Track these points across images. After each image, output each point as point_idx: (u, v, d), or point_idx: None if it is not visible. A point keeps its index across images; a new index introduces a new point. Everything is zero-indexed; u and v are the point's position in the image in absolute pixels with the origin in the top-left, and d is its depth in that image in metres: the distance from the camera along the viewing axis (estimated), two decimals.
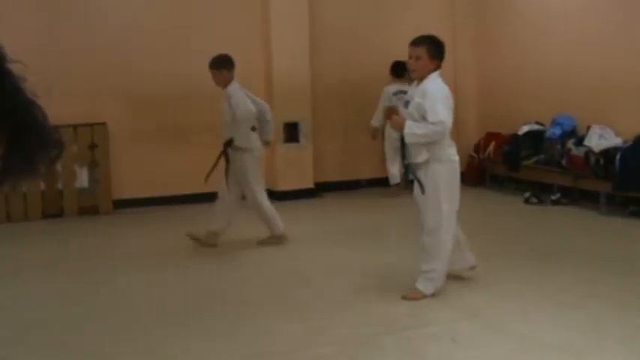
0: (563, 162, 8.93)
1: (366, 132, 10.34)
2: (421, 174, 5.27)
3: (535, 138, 9.53)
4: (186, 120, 9.49)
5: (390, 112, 5.46)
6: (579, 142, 8.64)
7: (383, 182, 10.15)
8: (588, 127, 8.64)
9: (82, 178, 8.89)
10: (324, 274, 6.17)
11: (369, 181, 10.56)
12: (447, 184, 5.23)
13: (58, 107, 8.41)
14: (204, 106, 9.50)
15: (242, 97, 6.95)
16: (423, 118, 5.12)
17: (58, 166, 8.70)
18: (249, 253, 7.03)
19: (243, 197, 7.18)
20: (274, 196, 8.32)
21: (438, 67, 5.25)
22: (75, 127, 8.77)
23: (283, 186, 9.51)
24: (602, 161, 8.27)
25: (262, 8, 9.69)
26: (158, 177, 9.36)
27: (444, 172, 5.22)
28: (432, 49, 5.23)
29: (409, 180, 5.61)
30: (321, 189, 9.92)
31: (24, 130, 1.38)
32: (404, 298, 5.30)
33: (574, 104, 9.21)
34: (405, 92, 9.74)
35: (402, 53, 10.00)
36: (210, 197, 9.42)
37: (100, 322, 5.07)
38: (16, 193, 8.49)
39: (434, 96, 5.11)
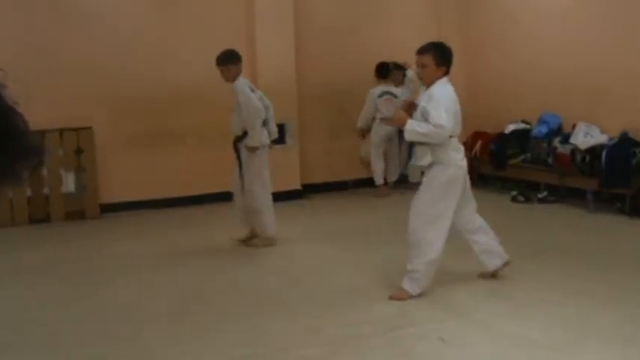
0: (550, 160, 8.96)
1: (353, 133, 10.36)
2: (424, 176, 5.31)
3: (521, 137, 9.57)
4: (173, 123, 9.46)
5: (406, 107, 5.47)
6: (565, 140, 8.67)
7: (369, 183, 10.17)
8: (574, 125, 8.68)
9: (69, 183, 8.84)
10: (313, 275, 6.17)
11: (355, 181, 10.57)
12: (443, 188, 5.24)
13: (43, 112, 8.47)
14: (190, 109, 9.50)
15: (248, 94, 6.92)
16: (427, 122, 5.16)
17: (44, 171, 8.67)
18: (238, 254, 7.02)
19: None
20: None
21: (445, 73, 5.30)
22: (61, 131, 8.73)
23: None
24: (588, 159, 8.31)
25: (247, 9, 9.67)
26: (145, 181, 9.33)
27: (444, 175, 5.25)
28: (438, 55, 5.27)
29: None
30: (307, 190, 9.92)
31: (5, 137, 1.37)
32: (391, 298, 5.31)
33: (559, 102, 9.26)
34: (390, 93, 9.83)
35: (388, 54, 10.19)
36: (197, 200, 9.48)
37: (89, 325, 5.05)
38: (1, 199, 8.44)
39: (438, 100, 5.16)
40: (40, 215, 8.70)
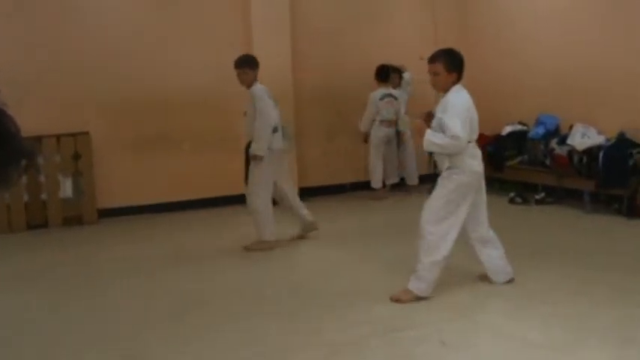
0: (547, 161, 8.97)
1: (350, 135, 10.37)
2: (439, 179, 5.36)
3: (518, 138, 9.59)
4: (170, 128, 9.46)
5: (425, 117, 5.48)
6: (562, 141, 8.68)
7: (367, 186, 10.17)
8: (571, 127, 8.70)
9: (66, 188, 8.82)
10: (313, 277, 6.17)
11: (353, 184, 10.57)
12: (456, 192, 5.26)
13: (40, 117, 8.47)
14: (187, 114, 9.50)
15: (266, 102, 7.04)
16: (443, 132, 5.19)
17: (42, 177, 8.67)
18: (238, 257, 7.02)
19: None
20: None
21: (458, 79, 5.32)
22: (58, 137, 8.72)
23: None
24: (585, 160, 8.32)
25: (244, 13, 9.68)
26: (142, 185, 9.33)
27: (458, 180, 5.26)
28: (448, 62, 5.30)
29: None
30: (305, 193, 9.90)
31: None
32: (391, 299, 5.31)
33: (557, 104, 9.27)
34: (391, 96, 9.84)
35: (385, 57, 10.19)
36: (195, 204, 9.47)
37: (86, 329, 5.04)
38: None
39: (453, 110, 5.19)
40: (37, 221, 8.69)
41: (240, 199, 9.58)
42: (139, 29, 9.27)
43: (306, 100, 10.07)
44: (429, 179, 5.78)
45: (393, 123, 9.89)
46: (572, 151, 8.48)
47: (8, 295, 6.00)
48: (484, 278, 5.70)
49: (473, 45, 10.67)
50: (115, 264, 6.93)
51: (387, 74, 9.94)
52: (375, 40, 10.63)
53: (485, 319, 4.95)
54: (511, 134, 9.64)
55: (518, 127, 9.68)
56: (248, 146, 7.20)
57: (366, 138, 10.06)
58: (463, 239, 5.49)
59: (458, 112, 5.18)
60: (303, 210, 7.49)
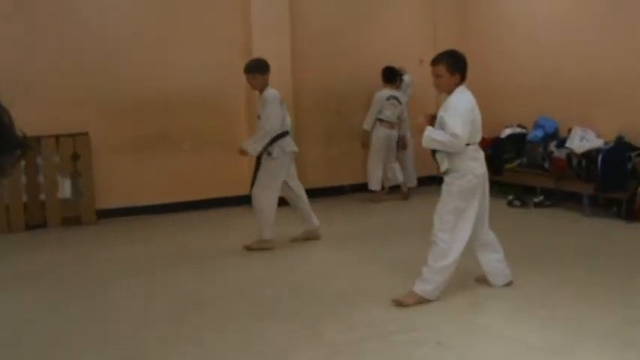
0: (546, 164, 8.99)
1: (350, 137, 10.38)
2: (443, 184, 5.36)
3: (517, 141, 9.60)
4: (169, 129, 9.46)
5: (428, 118, 5.49)
6: (561, 144, 8.69)
7: (367, 188, 10.17)
8: (570, 130, 8.71)
9: (65, 189, 8.82)
10: (312, 279, 6.17)
11: (352, 186, 10.57)
12: (460, 196, 5.26)
13: (39, 117, 8.46)
14: (187, 114, 9.51)
15: (276, 109, 7.08)
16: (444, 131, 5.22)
17: (41, 177, 8.67)
18: (237, 257, 7.02)
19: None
20: None
21: (462, 80, 5.33)
22: (57, 137, 8.72)
23: None
24: (584, 163, 8.33)
25: (243, 14, 9.68)
26: (141, 186, 9.33)
27: (460, 184, 5.26)
28: (451, 64, 5.31)
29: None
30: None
31: None
32: (394, 302, 5.30)
33: (555, 107, 9.28)
34: (396, 98, 9.85)
35: (385, 59, 10.20)
36: (194, 205, 9.47)
37: (86, 329, 5.03)
38: None
39: (454, 109, 5.21)
40: (36, 221, 8.69)
41: (239, 200, 9.61)
42: (139, 29, 9.28)
43: (306, 101, 10.07)
44: (428, 181, 5.78)
45: (395, 125, 9.90)
46: (570, 154, 8.49)
47: (8, 295, 6.00)
48: (483, 281, 5.70)
49: (472, 47, 10.64)
50: (115, 264, 6.93)
51: (394, 76, 9.98)
52: (375, 41, 10.64)
53: (484, 322, 4.95)
54: (510, 137, 9.65)
55: (517, 130, 9.69)
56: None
57: (365, 143, 10.04)
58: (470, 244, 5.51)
59: (459, 112, 5.20)
60: (313, 217, 7.54)
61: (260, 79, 7.16)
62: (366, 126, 9.95)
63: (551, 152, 8.79)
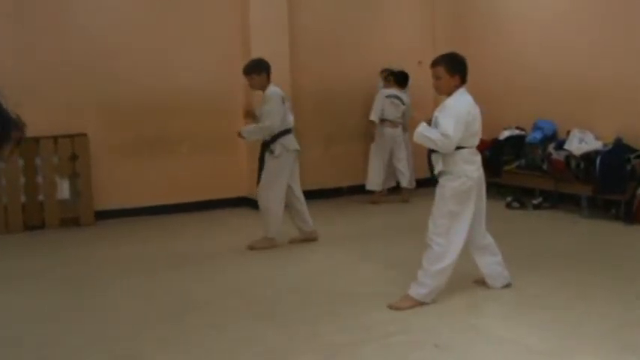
0: (544, 166, 9.00)
1: (348, 139, 10.42)
2: (437, 187, 5.36)
3: (516, 143, 9.61)
4: (167, 131, 9.47)
5: (428, 120, 5.49)
6: (560, 146, 8.70)
7: (364, 189, 10.17)
8: (568, 132, 8.72)
9: (63, 190, 8.82)
10: (310, 281, 6.16)
11: (350, 188, 10.57)
12: (454, 199, 5.25)
13: (38, 118, 8.46)
14: (186, 116, 9.51)
15: (276, 107, 7.11)
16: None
17: (39, 178, 8.66)
18: (235, 259, 7.02)
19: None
20: (256, 204, 8.28)
21: (461, 82, 5.33)
22: (55, 138, 8.72)
23: None
24: (582, 165, 8.34)
25: (242, 17, 9.69)
26: (140, 187, 9.33)
27: (452, 186, 5.25)
28: (450, 65, 5.31)
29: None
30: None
31: None
32: (390, 307, 5.29)
33: (554, 109, 9.29)
34: (397, 97, 9.86)
35: (383, 61, 10.21)
36: (192, 207, 9.47)
37: (86, 329, 5.02)
38: None
39: (448, 110, 5.20)
40: (34, 222, 8.68)
41: (238, 201, 9.63)
42: (138, 31, 9.28)
43: (305, 102, 10.07)
44: (427, 183, 5.77)
45: (398, 124, 9.91)
46: (569, 156, 8.50)
47: (8, 295, 5.99)
48: (481, 283, 5.70)
49: (471, 49, 10.60)
50: (114, 264, 6.93)
51: (405, 79, 10.02)
52: (374, 43, 10.66)
53: (483, 324, 4.93)
54: (509, 139, 9.66)
55: (516, 132, 9.70)
56: (263, 146, 7.27)
57: (373, 134, 10.02)
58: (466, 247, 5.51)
59: (453, 113, 5.18)
60: (309, 218, 7.53)
61: (257, 79, 7.19)
62: (373, 117, 9.95)
63: (550, 154, 8.80)
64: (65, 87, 8.89)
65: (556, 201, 8.99)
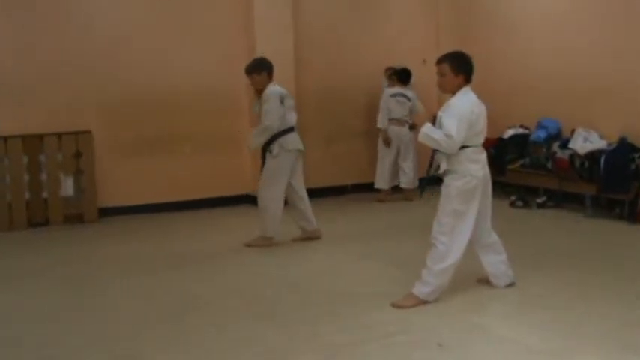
0: (549, 165, 8.97)
1: (351, 137, 10.41)
2: (442, 186, 5.35)
3: (520, 142, 9.58)
4: (172, 128, 9.47)
5: (432, 119, 5.48)
6: (564, 145, 8.67)
7: (369, 187, 10.17)
8: (573, 131, 8.69)
9: (67, 187, 8.84)
10: (311, 280, 6.16)
11: (354, 186, 10.56)
12: (459, 198, 5.24)
13: (42, 116, 8.47)
14: (190, 114, 9.52)
15: (274, 106, 7.09)
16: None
17: (43, 175, 8.67)
18: (237, 258, 7.01)
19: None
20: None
21: (466, 81, 5.32)
22: (59, 135, 8.73)
23: None
24: (586, 164, 8.32)
25: (246, 15, 9.68)
26: (143, 185, 9.34)
27: (457, 185, 5.25)
28: (455, 63, 5.30)
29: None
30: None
31: None
32: (393, 305, 5.28)
33: (558, 108, 9.27)
34: (403, 95, 9.84)
35: (387, 60, 10.19)
36: (195, 205, 9.47)
37: (86, 329, 5.03)
38: (0, 202, 8.46)
39: (452, 110, 5.19)
40: (38, 219, 8.70)
41: (241, 200, 9.62)
42: (142, 31, 9.29)
43: (308, 101, 10.05)
44: (430, 182, 5.75)
45: (405, 123, 9.89)
46: (573, 156, 8.47)
47: (8, 295, 5.99)
48: (485, 281, 5.69)
49: (475, 48, 10.55)
50: (116, 263, 6.93)
51: (408, 76, 9.99)
52: (378, 42, 10.64)
53: (485, 323, 4.93)
54: (513, 138, 9.64)
55: (520, 131, 9.68)
56: (263, 146, 7.25)
57: (385, 140, 9.98)
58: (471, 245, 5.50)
59: (457, 113, 5.17)
60: (312, 217, 7.53)
61: (257, 79, 7.19)
62: (380, 124, 9.93)
63: (554, 153, 8.78)
64: (69, 85, 8.90)
65: (560, 200, 8.97)
